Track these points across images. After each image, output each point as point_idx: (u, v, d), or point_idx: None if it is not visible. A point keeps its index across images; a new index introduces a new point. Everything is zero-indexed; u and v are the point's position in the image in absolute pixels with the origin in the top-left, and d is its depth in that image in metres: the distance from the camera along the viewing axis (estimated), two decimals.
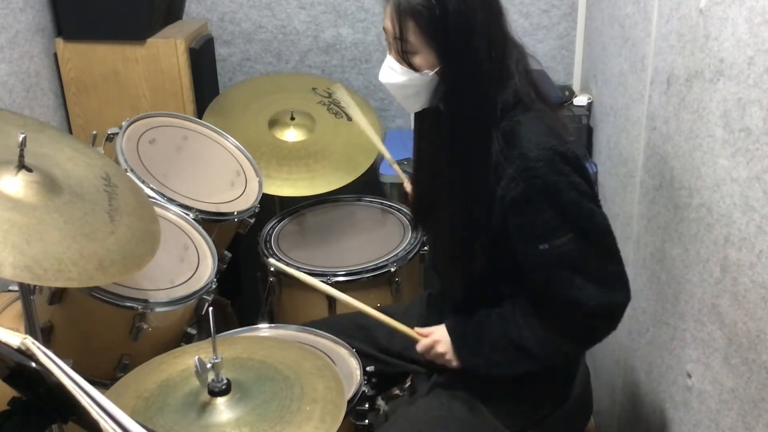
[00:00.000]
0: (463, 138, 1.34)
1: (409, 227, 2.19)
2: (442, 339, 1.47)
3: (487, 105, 1.32)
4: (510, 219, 1.33)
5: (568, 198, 1.29)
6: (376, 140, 2.11)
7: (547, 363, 1.40)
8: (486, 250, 1.38)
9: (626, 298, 1.35)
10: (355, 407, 1.49)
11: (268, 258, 2.04)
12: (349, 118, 2.36)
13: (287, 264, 2.02)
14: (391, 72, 1.36)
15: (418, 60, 1.32)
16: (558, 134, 1.34)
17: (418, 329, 1.51)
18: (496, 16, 1.33)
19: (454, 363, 1.46)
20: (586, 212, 1.31)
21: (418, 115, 1.47)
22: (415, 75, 1.33)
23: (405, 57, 1.32)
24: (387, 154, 2.08)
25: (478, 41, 1.29)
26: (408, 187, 1.88)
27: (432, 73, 1.32)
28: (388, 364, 1.66)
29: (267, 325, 1.72)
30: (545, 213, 1.29)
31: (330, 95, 2.46)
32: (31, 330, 1.35)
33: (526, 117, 1.33)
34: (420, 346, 1.49)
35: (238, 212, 1.90)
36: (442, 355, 1.47)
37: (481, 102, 1.32)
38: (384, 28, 1.36)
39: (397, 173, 2.03)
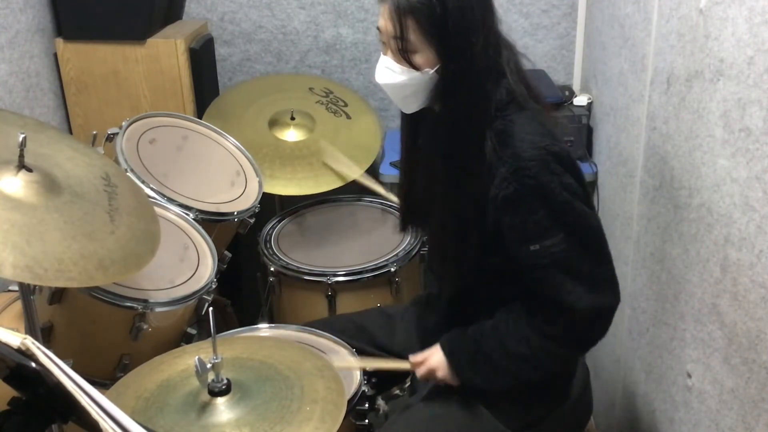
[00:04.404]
0: (458, 137, 1.34)
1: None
2: (439, 366, 1.46)
3: (483, 102, 1.33)
4: (502, 219, 1.33)
5: (560, 198, 1.29)
6: (378, 186, 2.21)
7: (544, 370, 1.41)
8: (479, 249, 1.38)
9: (615, 301, 1.35)
10: (355, 407, 1.49)
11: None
12: (348, 117, 2.37)
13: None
14: (389, 72, 1.36)
15: (418, 58, 1.32)
16: (551, 134, 1.34)
17: (412, 358, 1.51)
18: (490, 14, 1.33)
19: (455, 382, 1.46)
20: (578, 213, 1.31)
21: (407, 115, 1.46)
22: (415, 74, 1.33)
23: (405, 56, 1.32)
24: (390, 195, 2.15)
25: (475, 38, 1.29)
26: None
27: (432, 71, 1.33)
28: None
29: (267, 325, 1.72)
30: (537, 213, 1.29)
31: (327, 94, 2.46)
32: (31, 330, 1.35)
33: (519, 116, 1.33)
34: (419, 377, 1.50)
35: (238, 212, 1.90)
36: (442, 379, 1.47)
37: (478, 99, 1.33)
38: (379, 28, 1.36)
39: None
